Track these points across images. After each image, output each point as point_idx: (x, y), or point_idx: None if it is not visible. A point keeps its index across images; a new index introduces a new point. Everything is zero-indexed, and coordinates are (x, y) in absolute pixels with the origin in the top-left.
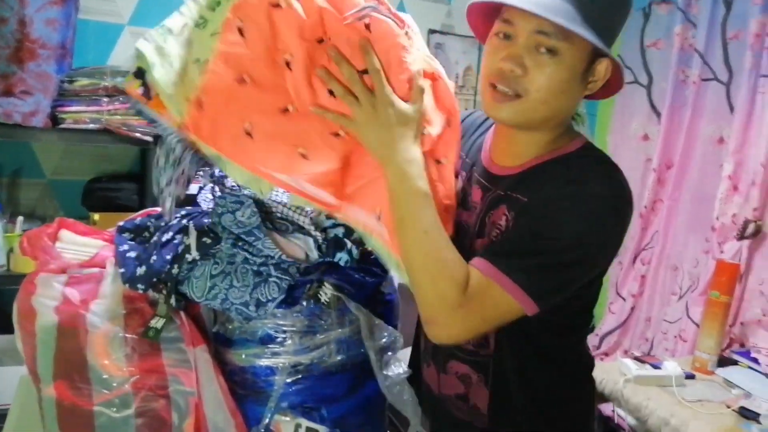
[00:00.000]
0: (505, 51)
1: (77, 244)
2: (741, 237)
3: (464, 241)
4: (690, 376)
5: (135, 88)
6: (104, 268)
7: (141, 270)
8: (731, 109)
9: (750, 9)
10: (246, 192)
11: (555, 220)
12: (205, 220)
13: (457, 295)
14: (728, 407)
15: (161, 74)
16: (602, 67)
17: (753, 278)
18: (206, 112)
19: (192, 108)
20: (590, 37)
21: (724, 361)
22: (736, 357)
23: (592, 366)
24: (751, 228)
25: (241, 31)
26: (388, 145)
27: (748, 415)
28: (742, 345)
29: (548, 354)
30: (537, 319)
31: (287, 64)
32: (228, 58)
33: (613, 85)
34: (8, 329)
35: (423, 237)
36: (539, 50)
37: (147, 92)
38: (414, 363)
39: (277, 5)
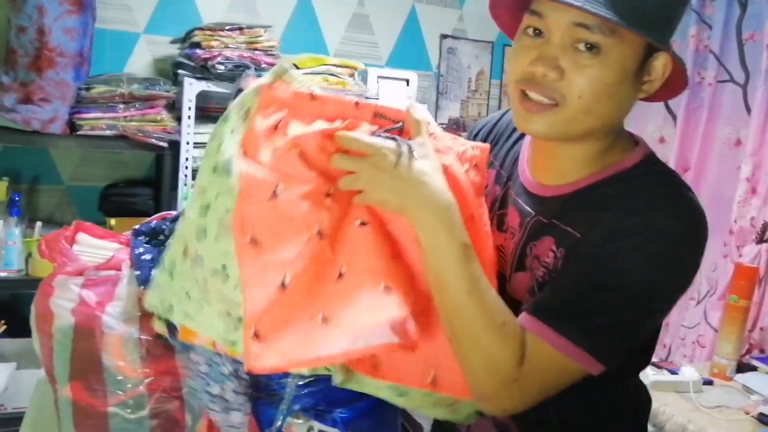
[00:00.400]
0: (536, 51)
1: (94, 246)
2: (760, 240)
3: (500, 272)
4: (708, 382)
5: (161, 328)
6: (120, 270)
7: (156, 273)
8: (748, 110)
9: (765, 10)
10: None
11: (618, 266)
12: None
13: (512, 368)
14: (747, 413)
15: (180, 315)
16: (659, 64)
17: None
18: (268, 336)
19: (247, 342)
20: (640, 31)
21: (742, 367)
22: (755, 363)
23: (648, 406)
24: None
25: (255, 242)
26: (408, 194)
27: (766, 421)
28: (762, 351)
29: (599, 399)
30: None
31: (319, 234)
32: (259, 271)
33: (674, 85)
34: (27, 333)
35: (466, 300)
36: (578, 48)
37: (172, 331)
38: None
39: (274, 196)
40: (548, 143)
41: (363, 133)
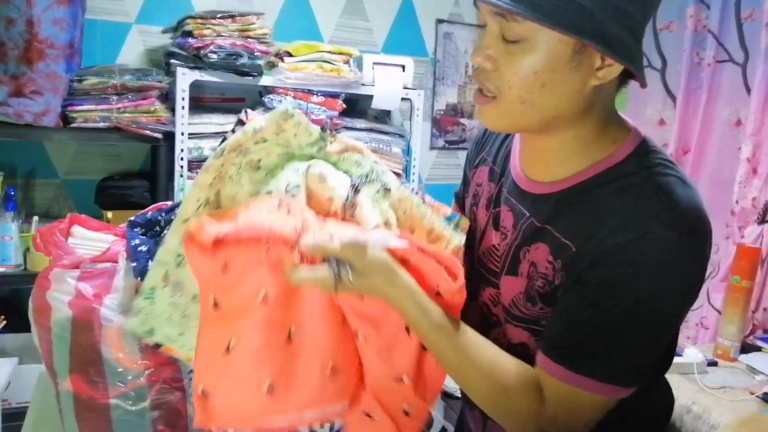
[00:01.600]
0: (477, 42)
1: (89, 239)
2: (762, 221)
3: (490, 269)
4: (712, 363)
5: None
6: (116, 262)
7: (152, 263)
8: (748, 90)
9: None
10: None
11: (624, 292)
12: None
13: (537, 416)
14: (752, 393)
15: (161, 337)
16: (597, 54)
17: None
18: (216, 396)
19: (195, 400)
20: (545, 20)
21: (747, 348)
22: (759, 343)
23: (670, 409)
24: None
25: (216, 305)
26: (370, 290)
27: None
28: (766, 331)
29: (625, 407)
30: None
31: (265, 299)
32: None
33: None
34: (27, 327)
35: (459, 374)
36: (505, 37)
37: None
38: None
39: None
40: (528, 136)
41: (300, 269)
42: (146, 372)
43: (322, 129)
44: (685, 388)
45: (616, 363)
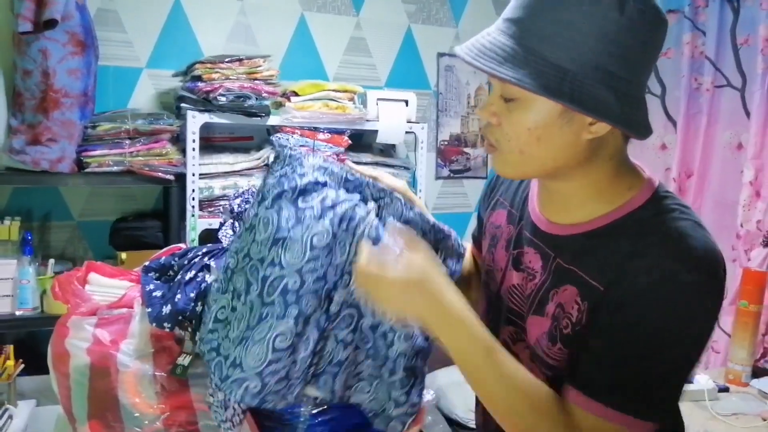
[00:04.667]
0: (483, 99)
1: (105, 286)
2: (767, 243)
3: (511, 308)
4: (723, 389)
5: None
6: (132, 308)
7: (167, 309)
8: (747, 114)
9: (758, 14)
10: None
11: (650, 332)
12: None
13: None
14: (764, 419)
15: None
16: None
17: None
18: None
19: None
20: (525, 85)
21: (758, 372)
22: None
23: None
24: None
25: None
26: (421, 307)
27: None
28: None
29: None
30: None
31: None
32: None
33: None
34: (45, 370)
35: (507, 400)
36: (503, 96)
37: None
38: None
39: None
40: (543, 181)
41: (375, 261)
42: (162, 416)
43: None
44: (697, 415)
45: (648, 399)
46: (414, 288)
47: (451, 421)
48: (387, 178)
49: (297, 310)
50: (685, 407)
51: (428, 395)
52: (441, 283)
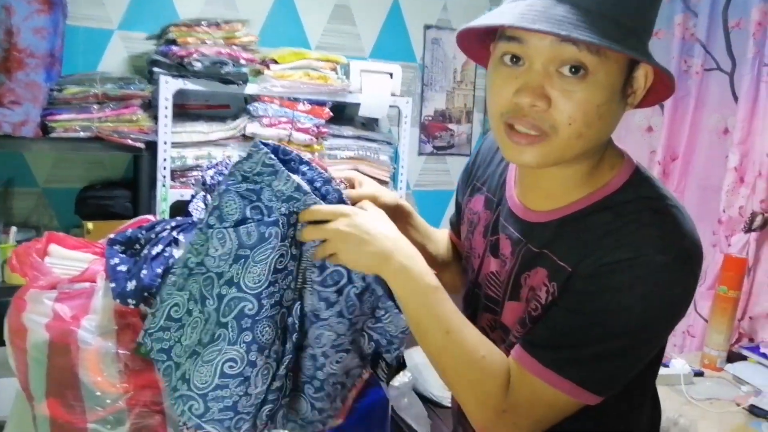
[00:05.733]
0: (519, 80)
1: (67, 258)
2: (748, 230)
3: (489, 295)
4: (699, 374)
5: None
6: (95, 282)
7: (132, 284)
8: (735, 98)
9: None
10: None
11: (608, 304)
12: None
13: (500, 398)
14: (738, 405)
15: None
16: (640, 75)
17: (761, 271)
18: None
19: None
20: (625, 49)
21: (733, 357)
22: (745, 353)
23: (658, 419)
24: (758, 220)
25: None
26: (376, 251)
27: (758, 413)
28: (751, 340)
29: (609, 419)
30: None
31: None
32: None
33: (660, 90)
34: (3, 341)
35: (445, 339)
36: (563, 73)
37: None
38: (453, 428)
39: None
40: (530, 170)
41: (322, 205)
42: (125, 395)
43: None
44: (672, 400)
45: (585, 366)
46: (366, 233)
47: (426, 400)
48: (366, 186)
49: (251, 337)
50: (661, 391)
51: (405, 377)
52: (391, 228)
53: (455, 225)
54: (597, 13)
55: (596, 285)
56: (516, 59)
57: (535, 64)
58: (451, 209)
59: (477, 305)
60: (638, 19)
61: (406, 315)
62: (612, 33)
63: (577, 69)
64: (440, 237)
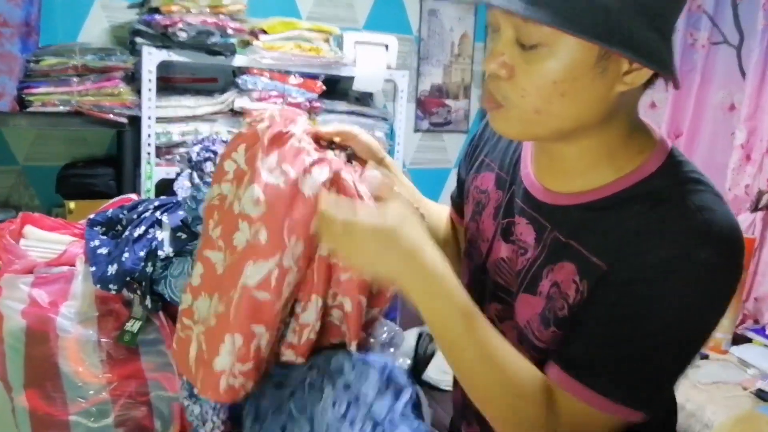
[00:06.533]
0: (491, 46)
1: (44, 240)
2: (755, 209)
3: (498, 283)
4: (704, 356)
5: None
6: (74, 266)
7: (113, 268)
8: (743, 74)
9: None
10: None
11: (658, 312)
12: (181, 213)
13: (540, 421)
14: (744, 389)
15: None
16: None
17: (767, 251)
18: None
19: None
20: (563, 28)
21: (737, 339)
22: (750, 335)
23: (674, 417)
24: (765, 199)
25: None
26: (398, 266)
27: (765, 397)
28: (756, 321)
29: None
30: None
31: None
32: None
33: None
34: None
35: (479, 366)
36: (522, 43)
37: None
38: (454, 419)
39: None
40: (543, 143)
41: (344, 207)
42: (109, 386)
43: None
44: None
45: (635, 386)
46: (388, 238)
47: (423, 383)
48: (360, 135)
49: None
50: None
51: (404, 365)
52: (419, 234)
53: (457, 202)
54: None
55: (639, 291)
56: (494, 29)
57: (503, 34)
58: (448, 189)
59: (484, 293)
60: (631, 4)
61: (435, 337)
62: (574, 11)
63: (533, 44)
64: (437, 211)
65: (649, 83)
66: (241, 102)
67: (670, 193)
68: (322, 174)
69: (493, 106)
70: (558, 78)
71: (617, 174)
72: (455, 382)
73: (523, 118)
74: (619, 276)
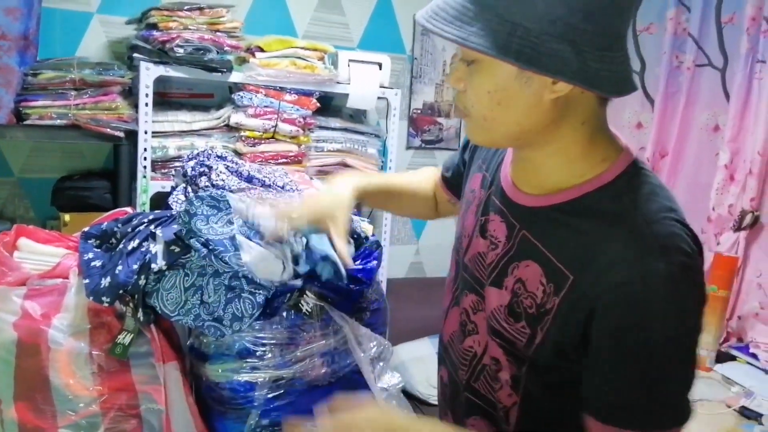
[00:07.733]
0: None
1: (37, 253)
2: (738, 228)
3: (475, 276)
4: None
5: None
6: (67, 278)
7: (106, 281)
8: (727, 95)
9: None
10: (224, 196)
11: (646, 332)
12: (174, 226)
13: None
14: (728, 407)
15: None
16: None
17: (750, 270)
18: None
19: None
20: (468, 43)
21: (721, 357)
22: (734, 352)
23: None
24: (748, 219)
25: None
26: None
27: (749, 415)
28: (740, 339)
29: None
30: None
31: None
32: None
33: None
34: None
35: None
36: (466, 60)
37: None
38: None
39: None
40: (515, 149)
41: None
42: (99, 399)
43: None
44: None
45: (668, 408)
46: None
47: (412, 397)
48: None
49: None
50: None
51: (394, 379)
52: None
53: (448, 178)
54: (486, 7)
55: (622, 319)
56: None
57: (458, 53)
58: None
59: (464, 285)
60: (541, 20)
61: None
62: (480, 27)
63: (468, 60)
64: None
65: (606, 97)
66: (236, 117)
67: (624, 204)
68: None
69: (462, 116)
70: (491, 89)
71: (579, 179)
72: (440, 400)
73: (478, 125)
74: (586, 294)
